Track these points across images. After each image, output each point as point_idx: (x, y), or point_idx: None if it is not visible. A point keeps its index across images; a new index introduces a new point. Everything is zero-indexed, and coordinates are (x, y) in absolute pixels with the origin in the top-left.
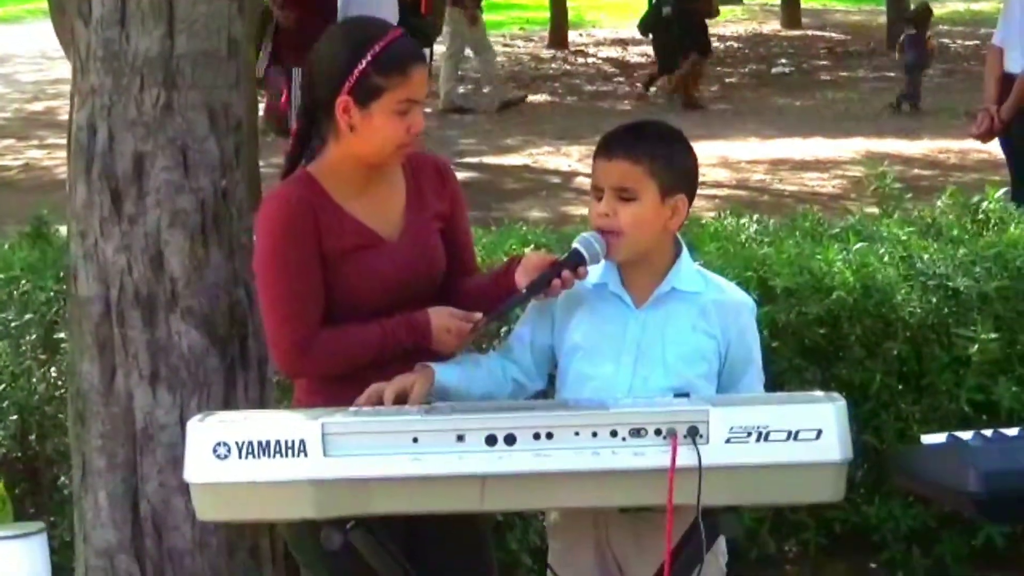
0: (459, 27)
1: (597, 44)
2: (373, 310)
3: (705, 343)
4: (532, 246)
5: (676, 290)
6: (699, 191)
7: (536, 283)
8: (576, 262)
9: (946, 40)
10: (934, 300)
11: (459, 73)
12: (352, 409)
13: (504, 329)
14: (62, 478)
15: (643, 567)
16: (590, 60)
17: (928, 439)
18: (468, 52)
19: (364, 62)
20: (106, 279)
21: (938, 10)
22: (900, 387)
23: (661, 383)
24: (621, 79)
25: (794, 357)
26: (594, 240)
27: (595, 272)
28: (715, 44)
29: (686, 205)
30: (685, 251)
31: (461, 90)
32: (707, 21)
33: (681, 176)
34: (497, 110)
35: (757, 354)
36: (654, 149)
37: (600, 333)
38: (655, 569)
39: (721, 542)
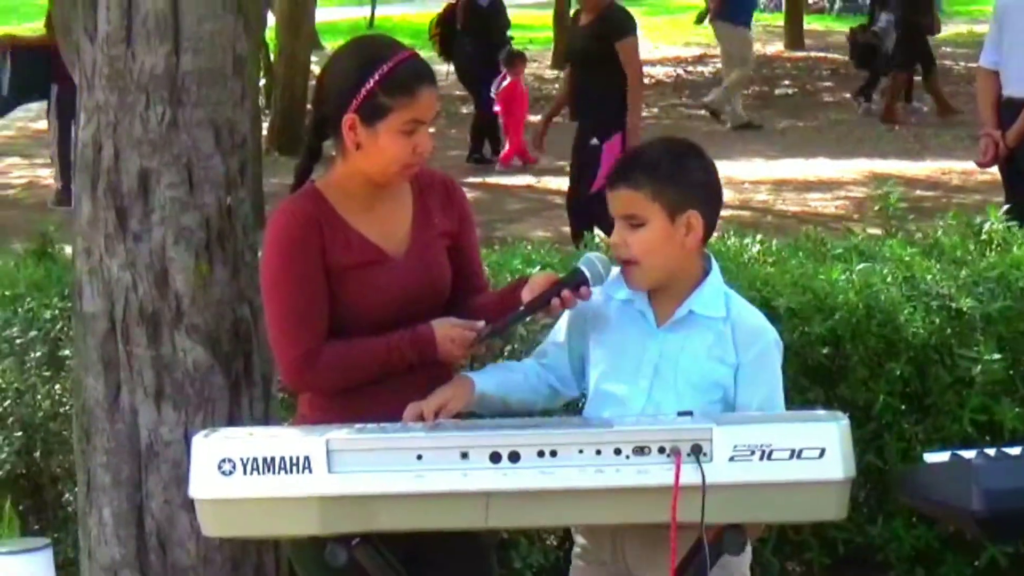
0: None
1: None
2: (378, 326)
3: (720, 371)
4: (539, 267)
5: (694, 314)
6: None
7: (536, 301)
8: (578, 282)
9: (948, 62)
10: (937, 321)
11: None
12: (357, 426)
13: (508, 348)
14: (66, 495)
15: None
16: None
17: (931, 458)
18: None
19: (371, 82)
20: (111, 296)
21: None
22: (903, 407)
23: (672, 408)
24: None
25: (797, 377)
26: (597, 260)
27: (627, 288)
28: (718, 65)
29: (700, 220)
30: (714, 273)
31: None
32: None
33: (689, 192)
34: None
35: (777, 389)
36: (653, 171)
37: (621, 351)
38: None
39: (743, 561)
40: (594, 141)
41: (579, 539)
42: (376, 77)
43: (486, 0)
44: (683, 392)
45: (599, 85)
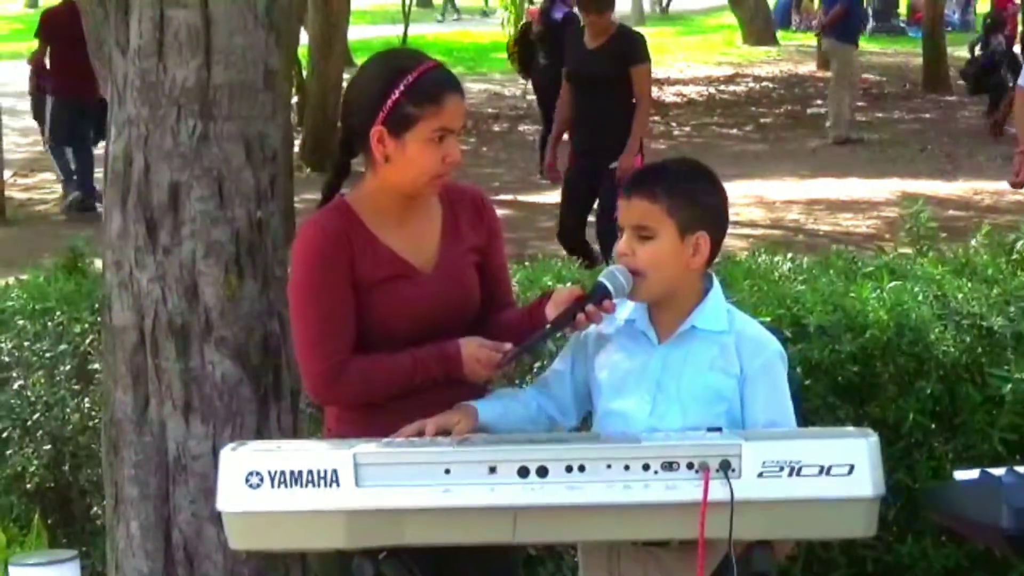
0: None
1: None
2: (405, 340)
3: (723, 382)
4: (569, 283)
5: (696, 328)
6: (733, 230)
7: (561, 318)
8: (601, 295)
9: None
10: (968, 339)
11: None
12: (385, 440)
13: (537, 365)
14: (95, 508)
15: None
16: None
17: (961, 475)
18: None
19: (397, 92)
20: (140, 309)
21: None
22: (933, 426)
23: (677, 422)
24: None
25: (827, 395)
26: (619, 273)
27: (627, 309)
28: (751, 84)
29: (708, 243)
30: (715, 290)
31: None
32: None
33: (702, 214)
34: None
35: (783, 399)
36: (672, 187)
37: (624, 370)
38: None
39: None
40: (613, 165)
41: (580, 558)
42: (401, 87)
43: (560, 14)
44: (687, 405)
45: (611, 108)
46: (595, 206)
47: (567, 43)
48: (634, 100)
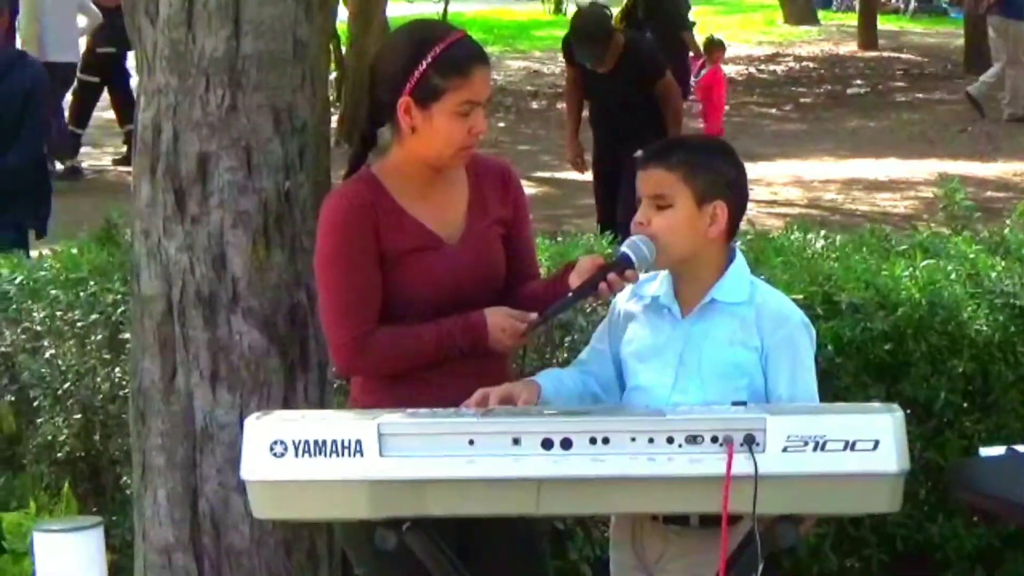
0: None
1: None
2: (431, 312)
3: (743, 356)
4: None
5: (716, 301)
6: (769, 209)
7: (583, 287)
8: (624, 265)
9: None
10: (1001, 318)
11: None
12: (409, 410)
13: (568, 339)
14: (125, 478)
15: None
16: None
17: (986, 451)
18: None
19: (424, 63)
20: (168, 278)
21: None
22: (965, 405)
23: (698, 397)
24: None
25: (858, 373)
26: (642, 243)
27: (653, 284)
28: (791, 64)
29: (725, 212)
30: (737, 262)
31: None
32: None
33: (719, 183)
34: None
35: (805, 372)
36: (689, 156)
37: (648, 345)
38: None
39: None
40: (639, 153)
41: (613, 526)
42: (429, 59)
43: None
44: (707, 379)
45: (634, 116)
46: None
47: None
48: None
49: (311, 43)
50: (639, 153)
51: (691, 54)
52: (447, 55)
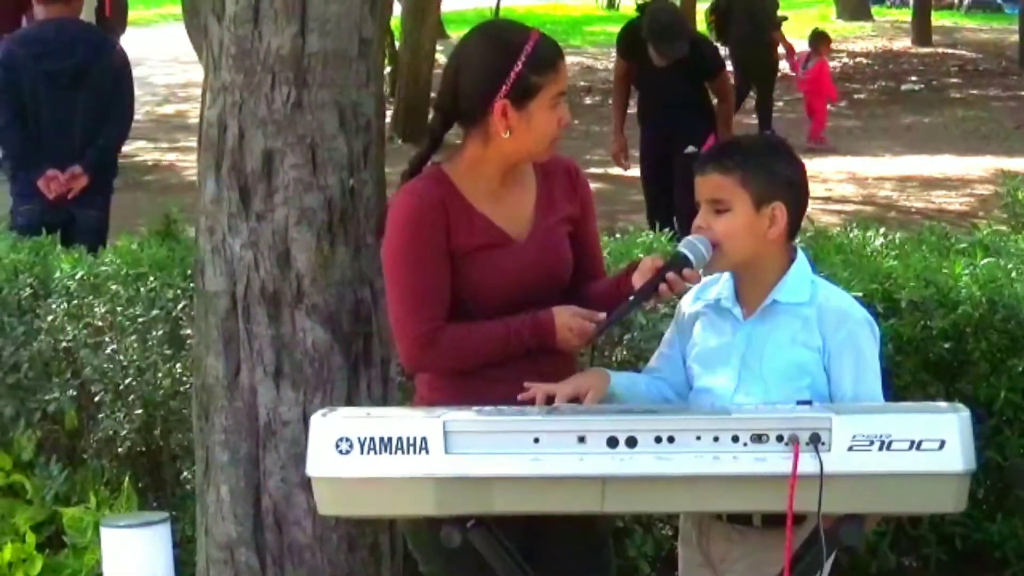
0: None
1: (726, 58)
2: (498, 309)
3: (805, 356)
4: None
5: (778, 303)
6: (825, 206)
7: (644, 289)
8: (681, 264)
9: None
10: None
11: None
12: (474, 408)
13: (627, 336)
14: (185, 473)
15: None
16: None
17: None
18: None
19: (520, 64)
20: (233, 274)
21: None
22: None
23: (761, 398)
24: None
25: (918, 371)
26: (698, 242)
27: (715, 287)
28: (844, 60)
29: (784, 213)
30: (799, 262)
31: None
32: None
33: (777, 184)
34: None
35: (868, 370)
36: (745, 159)
37: (712, 348)
38: None
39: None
40: (690, 149)
41: (681, 523)
42: (523, 59)
43: None
44: (769, 380)
45: (684, 113)
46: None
47: (634, 51)
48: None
49: (375, 40)
50: (690, 149)
51: (781, 50)
52: (537, 53)
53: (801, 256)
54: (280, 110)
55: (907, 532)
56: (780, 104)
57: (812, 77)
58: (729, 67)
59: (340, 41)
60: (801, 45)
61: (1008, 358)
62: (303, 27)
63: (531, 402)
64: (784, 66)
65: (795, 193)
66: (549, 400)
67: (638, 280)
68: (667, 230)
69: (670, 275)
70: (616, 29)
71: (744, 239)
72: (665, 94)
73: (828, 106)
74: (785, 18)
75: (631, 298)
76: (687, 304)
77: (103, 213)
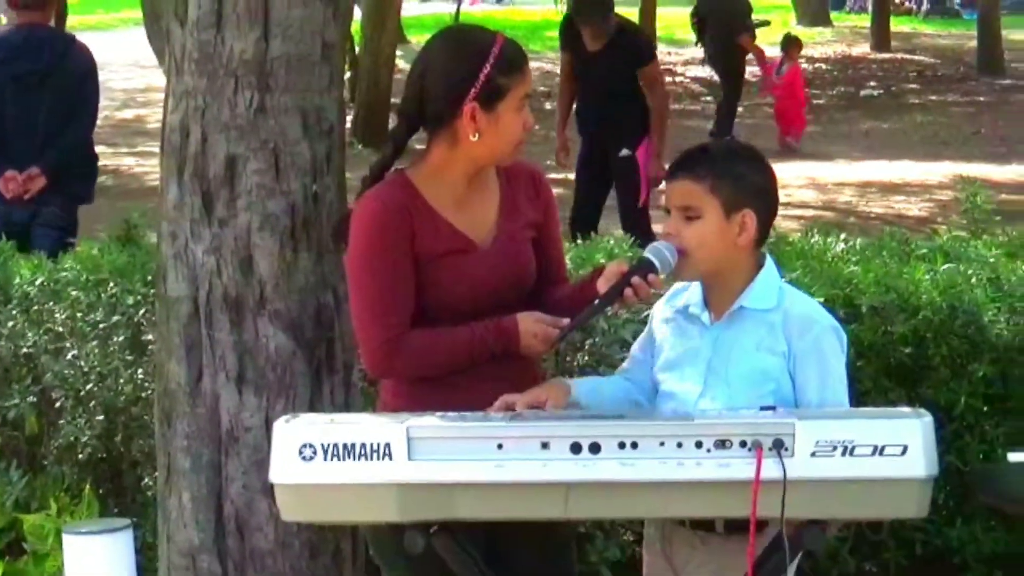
0: None
1: (685, 63)
2: (463, 315)
3: (770, 362)
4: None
5: (745, 308)
6: (785, 211)
7: (609, 294)
8: (646, 270)
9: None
10: (1022, 322)
11: None
12: (438, 414)
13: (589, 341)
14: (146, 479)
15: None
16: (678, 79)
17: (1014, 457)
18: None
19: (488, 66)
20: (195, 280)
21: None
22: (985, 409)
23: (725, 403)
24: (709, 98)
25: (879, 377)
26: (664, 248)
27: (685, 294)
28: (804, 66)
29: (754, 220)
30: (766, 269)
31: None
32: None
33: (747, 191)
34: None
35: (833, 376)
36: (716, 166)
37: (678, 352)
38: None
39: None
40: (624, 152)
41: (645, 529)
42: (492, 61)
43: None
44: (734, 385)
45: (619, 105)
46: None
47: (571, 41)
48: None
49: (337, 45)
50: (624, 152)
51: (750, 56)
52: (505, 55)
53: (770, 262)
54: (243, 115)
55: (867, 537)
56: (740, 109)
57: (787, 81)
58: (707, 71)
59: (303, 45)
60: (770, 50)
61: (968, 363)
62: (266, 31)
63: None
64: (755, 71)
65: (765, 200)
66: (508, 410)
67: (603, 285)
68: (629, 236)
69: (635, 280)
70: None
71: (714, 246)
72: (600, 81)
73: None
74: (767, 23)
75: (596, 302)
76: (658, 309)
77: (63, 212)
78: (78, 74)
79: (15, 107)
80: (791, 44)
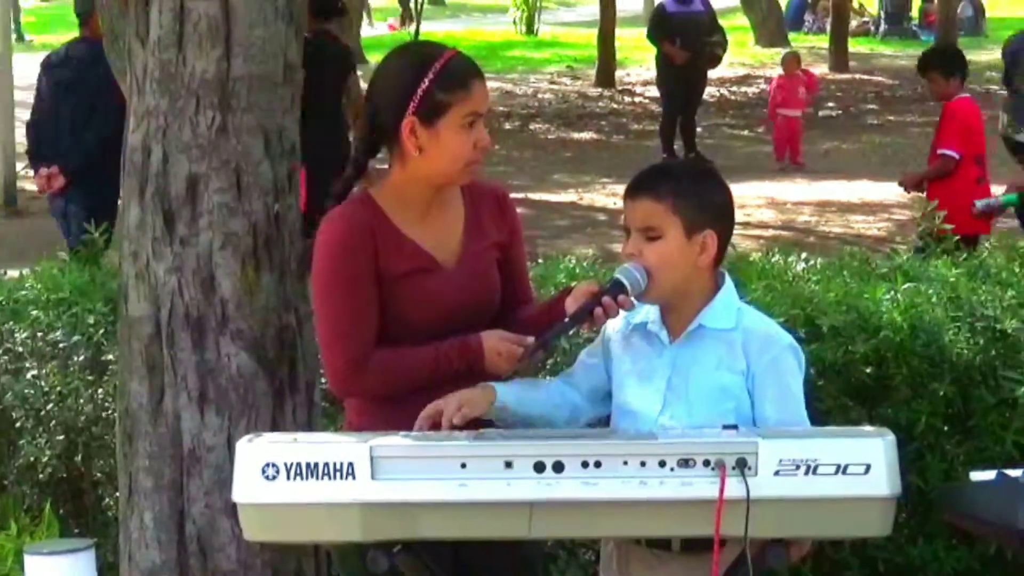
0: None
1: (644, 83)
2: (427, 334)
3: (730, 380)
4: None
5: (704, 327)
6: (744, 231)
7: (578, 313)
8: (616, 291)
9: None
10: (982, 342)
11: None
12: (401, 433)
13: (551, 361)
14: (107, 499)
15: None
16: (636, 99)
17: (977, 476)
18: None
19: (427, 81)
20: (157, 300)
21: (986, 56)
22: (946, 428)
23: (685, 421)
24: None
25: (840, 396)
26: (635, 270)
27: (643, 311)
28: (763, 87)
29: (715, 241)
30: (726, 288)
31: None
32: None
33: (708, 212)
34: None
35: (790, 395)
36: (677, 186)
37: (637, 370)
38: None
39: None
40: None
41: (602, 548)
42: (431, 75)
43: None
44: (694, 402)
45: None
46: None
47: None
48: None
49: (299, 65)
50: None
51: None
52: (447, 70)
53: (728, 282)
54: (205, 134)
55: (829, 556)
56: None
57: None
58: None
59: (265, 66)
60: (715, 71)
61: (929, 383)
62: (228, 51)
63: (429, 426)
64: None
65: (725, 220)
66: (437, 419)
67: (572, 305)
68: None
69: (606, 299)
70: (536, 55)
71: (676, 266)
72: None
73: (745, 132)
74: (713, 43)
75: (565, 320)
76: (613, 326)
77: (78, 208)
78: (101, 80)
79: (54, 111)
80: (787, 60)
